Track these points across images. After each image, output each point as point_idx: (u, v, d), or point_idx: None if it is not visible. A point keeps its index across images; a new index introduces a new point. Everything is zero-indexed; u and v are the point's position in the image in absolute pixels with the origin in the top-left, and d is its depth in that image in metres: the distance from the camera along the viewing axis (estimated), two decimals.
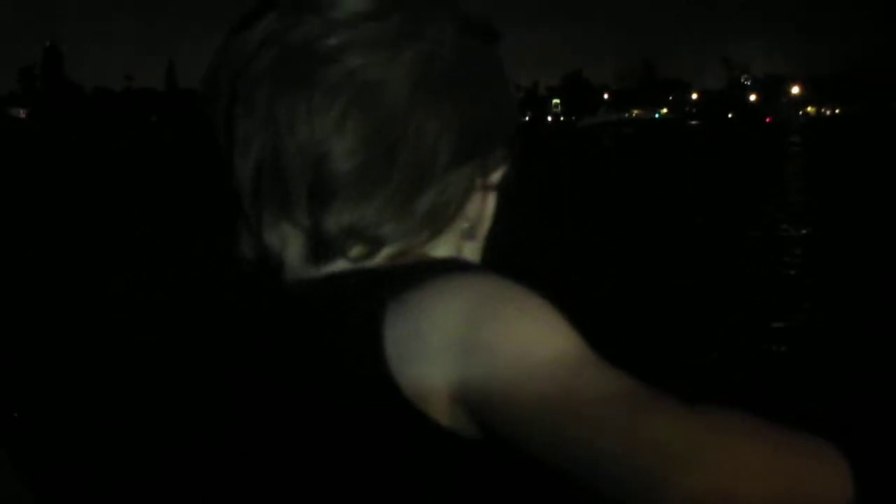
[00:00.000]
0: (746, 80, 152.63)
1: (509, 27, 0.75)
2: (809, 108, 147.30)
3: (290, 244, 0.69)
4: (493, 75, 0.72)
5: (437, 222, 0.69)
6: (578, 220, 14.23)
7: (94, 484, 3.94)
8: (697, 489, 0.49)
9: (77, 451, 4.29)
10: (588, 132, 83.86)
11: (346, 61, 0.65)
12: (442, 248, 0.71)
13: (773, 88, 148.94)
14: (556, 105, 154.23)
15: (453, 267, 0.65)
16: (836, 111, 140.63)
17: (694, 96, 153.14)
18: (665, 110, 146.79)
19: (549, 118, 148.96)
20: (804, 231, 12.86)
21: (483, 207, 0.74)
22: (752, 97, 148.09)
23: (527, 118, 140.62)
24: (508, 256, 0.83)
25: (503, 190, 0.75)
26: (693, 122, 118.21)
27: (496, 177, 0.73)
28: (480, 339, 0.58)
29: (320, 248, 0.67)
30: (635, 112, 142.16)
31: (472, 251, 0.75)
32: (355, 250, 0.67)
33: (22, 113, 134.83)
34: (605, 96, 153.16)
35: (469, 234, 0.73)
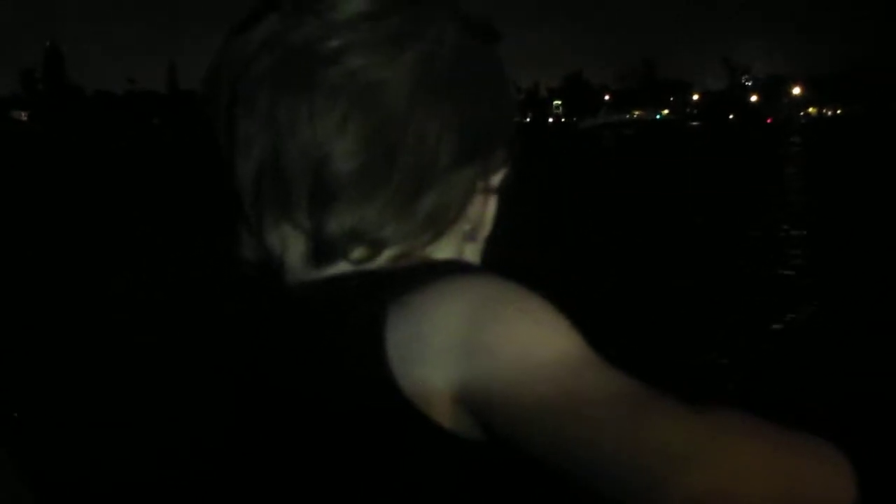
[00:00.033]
0: (747, 80, 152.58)
1: (510, 28, 0.76)
2: (811, 109, 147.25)
3: (291, 246, 0.69)
4: (494, 76, 0.72)
5: (439, 224, 0.68)
6: (578, 220, 14.21)
7: (94, 484, 3.93)
8: (698, 489, 0.49)
9: (77, 451, 4.29)
10: (589, 133, 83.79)
11: (346, 62, 0.65)
12: (443, 250, 0.71)
13: (774, 89, 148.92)
14: (557, 106, 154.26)
15: (455, 269, 0.65)
16: (838, 112, 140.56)
17: (695, 97, 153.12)
18: (666, 111, 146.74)
19: (550, 119, 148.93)
20: (804, 231, 12.84)
21: (484, 209, 0.74)
22: (753, 98, 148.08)
23: (528, 119, 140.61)
24: (508, 257, 0.83)
25: (504, 192, 0.75)
26: (694, 123, 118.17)
27: (497, 179, 0.73)
28: (482, 340, 0.58)
29: (322, 249, 0.67)
30: (636, 113, 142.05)
31: (472, 253, 0.75)
32: (357, 252, 0.67)
33: (23, 115, 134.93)
34: (606, 97, 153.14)
35: (470, 236, 0.73)
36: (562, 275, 8.23)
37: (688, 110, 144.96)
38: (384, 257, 0.68)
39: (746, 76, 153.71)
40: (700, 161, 30.13)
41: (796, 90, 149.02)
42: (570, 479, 0.54)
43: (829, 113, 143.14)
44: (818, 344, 6.31)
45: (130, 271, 9.40)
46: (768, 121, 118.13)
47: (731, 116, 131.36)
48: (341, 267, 0.68)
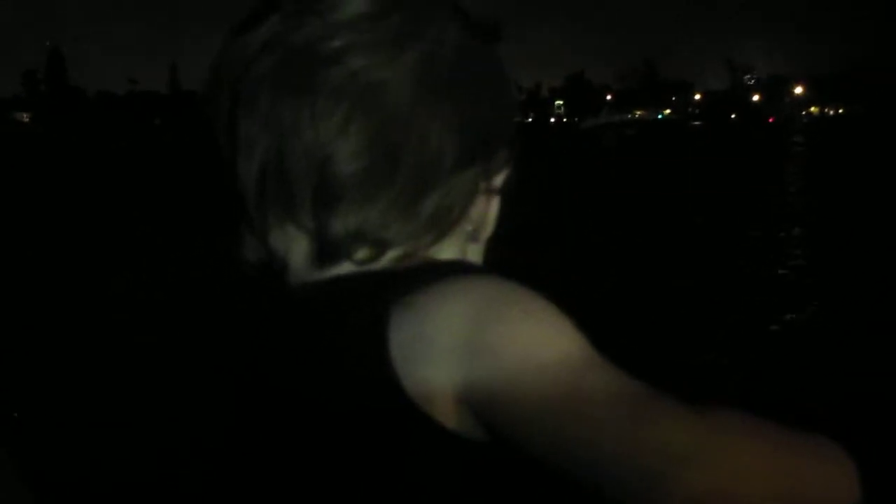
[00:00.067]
0: (749, 80, 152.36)
1: (511, 28, 0.75)
2: (813, 108, 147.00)
3: (294, 246, 0.69)
4: (495, 76, 0.72)
5: (442, 225, 0.68)
6: (579, 220, 14.19)
7: (94, 484, 3.93)
8: (699, 489, 0.49)
9: (77, 451, 4.29)
10: (591, 133, 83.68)
11: (348, 63, 0.65)
12: (447, 251, 0.71)
13: (776, 89, 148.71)
14: (559, 106, 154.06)
15: (458, 269, 0.65)
16: (840, 111, 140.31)
17: (697, 97, 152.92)
18: (668, 111, 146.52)
19: (552, 119, 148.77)
20: (805, 231, 12.82)
21: (486, 210, 0.74)
22: (755, 97, 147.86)
23: (529, 119, 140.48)
24: (509, 257, 0.83)
25: (506, 192, 0.75)
26: (696, 123, 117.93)
27: (499, 180, 0.73)
28: (485, 341, 0.58)
29: (325, 250, 0.67)
30: (638, 113, 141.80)
31: (474, 253, 0.75)
32: (361, 253, 0.67)
33: (25, 117, 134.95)
34: (608, 97, 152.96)
35: (472, 237, 0.73)
36: (562, 275, 8.22)
37: (690, 110, 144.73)
38: (388, 258, 0.67)
39: (748, 76, 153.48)
40: (701, 161, 30.07)
41: (798, 90, 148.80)
42: (571, 480, 0.54)
43: (831, 112, 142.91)
44: (818, 344, 6.30)
45: (130, 271, 9.39)
46: (770, 120, 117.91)
47: (732, 116, 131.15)
48: (345, 267, 0.68)
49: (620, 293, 8.03)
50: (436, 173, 0.67)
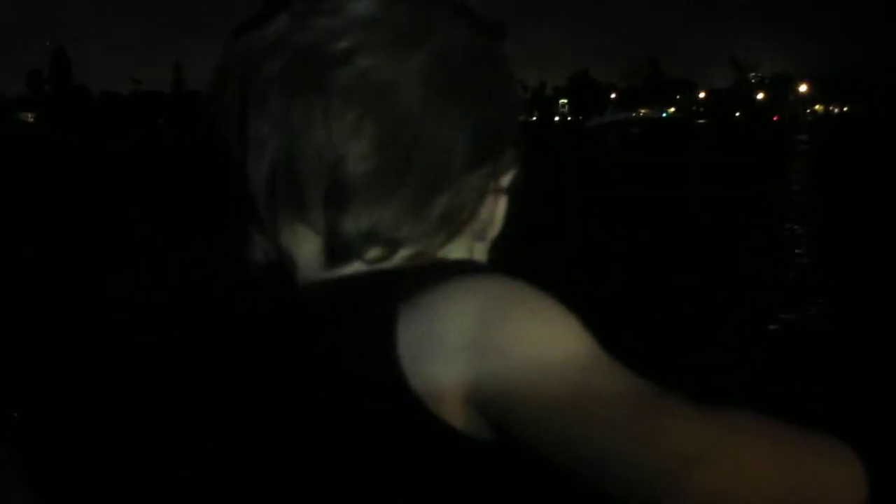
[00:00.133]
0: (754, 78, 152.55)
1: (515, 27, 0.75)
2: (817, 107, 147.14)
3: (303, 246, 0.69)
4: (501, 75, 0.72)
5: (453, 224, 0.69)
6: (583, 218, 14.22)
7: (94, 484, 3.93)
8: (709, 489, 0.48)
9: (77, 451, 4.29)
10: (595, 132, 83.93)
11: (357, 63, 0.65)
12: (455, 250, 0.71)
13: (780, 87, 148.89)
14: (564, 105, 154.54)
15: (467, 268, 0.65)
16: (844, 109, 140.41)
17: (701, 95, 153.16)
18: (672, 109, 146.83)
19: (557, 118, 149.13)
20: (809, 230, 12.82)
21: (494, 210, 0.74)
22: (760, 96, 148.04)
23: (534, 118, 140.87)
24: (513, 255, 0.81)
25: (512, 192, 0.75)
26: (700, 121, 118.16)
27: (507, 179, 0.73)
28: (493, 340, 0.58)
29: (337, 250, 0.67)
30: (643, 111, 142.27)
31: (479, 252, 0.75)
32: (372, 252, 0.67)
33: (30, 117, 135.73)
34: (613, 96, 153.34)
35: (479, 236, 0.73)
36: (566, 273, 8.22)
37: (694, 108, 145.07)
38: (399, 257, 0.68)
39: (753, 74, 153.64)
40: (706, 159, 30.14)
41: (803, 88, 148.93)
42: (579, 480, 0.54)
43: (836, 111, 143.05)
44: (822, 343, 6.30)
45: (130, 271, 9.42)
46: (775, 119, 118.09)
47: (737, 114, 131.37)
48: (354, 267, 0.68)
49: (624, 292, 8.05)
50: (447, 173, 0.67)
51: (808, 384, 5.25)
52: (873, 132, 52.47)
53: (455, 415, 0.59)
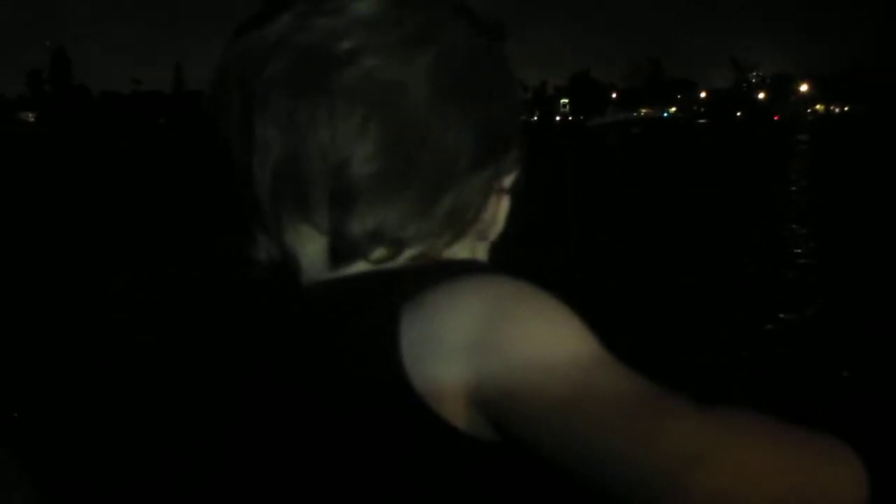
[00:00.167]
0: (754, 78, 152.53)
1: (515, 27, 0.75)
2: (818, 107, 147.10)
3: (308, 246, 0.69)
4: (503, 75, 0.72)
5: (458, 225, 0.69)
6: (583, 218, 14.21)
7: (94, 484, 3.93)
8: (709, 489, 0.48)
9: (77, 451, 4.29)
10: (597, 131, 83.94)
11: (362, 64, 0.65)
12: (458, 250, 0.71)
13: (781, 87, 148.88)
14: (565, 105, 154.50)
15: (470, 268, 0.65)
16: (845, 109, 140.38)
17: (702, 95, 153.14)
18: (673, 109, 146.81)
19: (558, 118, 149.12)
20: (809, 230, 12.83)
21: (497, 210, 0.74)
22: (761, 95, 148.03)
23: (535, 118, 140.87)
24: (513, 255, 0.81)
25: (514, 192, 0.75)
26: (701, 121, 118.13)
27: (510, 180, 0.73)
28: (495, 339, 0.57)
29: (342, 250, 0.67)
30: (644, 111, 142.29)
31: (481, 251, 0.75)
32: (378, 253, 0.67)
33: (31, 116, 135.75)
34: (613, 96, 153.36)
35: (482, 236, 0.73)
36: (566, 273, 8.21)
37: (695, 108, 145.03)
38: (403, 257, 0.67)
39: (753, 74, 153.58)
40: (706, 159, 30.13)
41: (803, 88, 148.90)
42: (580, 480, 0.54)
43: (837, 111, 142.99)
44: (822, 343, 6.30)
45: (130, 271, 9.42)
46: (775, 118, 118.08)
47: (738, 114, 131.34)
48: (359, 267, 0.68)
49: (624, 291, 8.05)
50: (452, 174, 0.67)
51: (808, 384, 5.25)
52: (874, 132, 52.45)
53: (457, 415, 0.59)
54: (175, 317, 7.01)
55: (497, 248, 0.76)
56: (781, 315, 7.12)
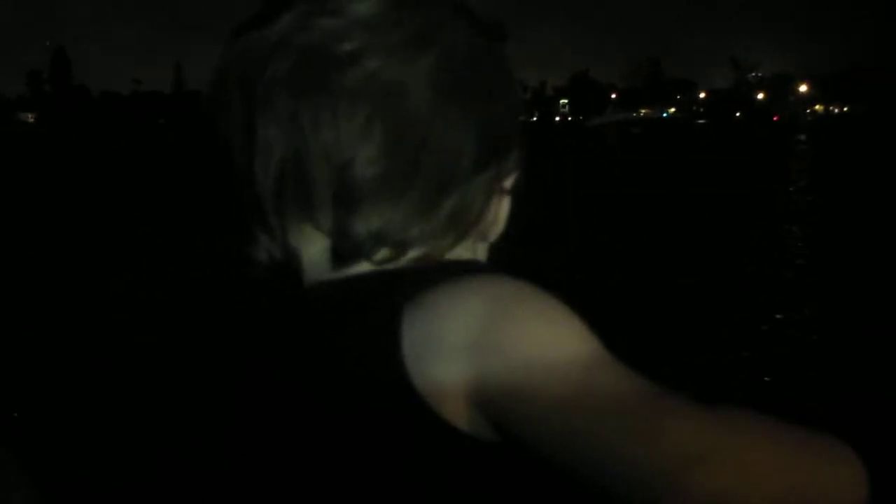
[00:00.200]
0: (754, 78, 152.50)
1: (514, 27, 0.75)
2: (817, 107, 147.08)
3: (310, 247, 0.68)
4: (504, 75, 0.72)
5: (461, 226, 0.69)
6: (583, 218, 14.21)
7: (94, 484, 3.93)
8: (709, 489, 0.48)
9: (77, 451, 4.29)
10: (596, 131, 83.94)
11: (364, 65, 0.64)
12: (460, 251, 0.71)
13: (780, 87, 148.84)
14: (564, 105, 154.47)
15: (470, 268, 0.65)
16: (845, 109, 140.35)
17: (701, 95, 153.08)
18: (672, 109, 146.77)
19: (557, 118, 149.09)
20: (809, 230, 12.83)
21: (498, 211, 0.74)
22: (760, 96, 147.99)
23: (534, 118, 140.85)
24: (513, 255, 0.82)
25: (515, 192, 0.75)
26: (701, 121, 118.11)
27: (510, 181, 0.73)
28: (495, 339, 0.57)
29: (346, 251, 0.67)
30: (643, 111, 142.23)
31: (481, 252, 0.75)
32: (381, 253, 0.66)
33: (30, 117, 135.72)
34: (613, 96, 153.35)
35: (482, 237, 0.74)
36: (566, 273, 8.21)
37: (694, 108, 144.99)
38: (406, 258, 0.67)
39: (753, 74, 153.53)
40: (706, 159, 30.12)
41: (803, 88, 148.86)
42: (580, 480, 0.53)
43: (836, 111, 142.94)
44: (822, 343, 6.30)
45: (130, 271, 9.42)
46: (775, 119, 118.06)
47: (737, 114, 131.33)
48: (361, 267, 0.67)
49: (624, 292, 8.05)
50: (454, 175, 0.67)
51: (808, 384, 5.25)
52: (873, 132, 52.45)
53: (458, 415, 0.59)
54: (175, 317, 7.02)
55: (497, 248, 0.76)
56: (781, 315, 7.12)
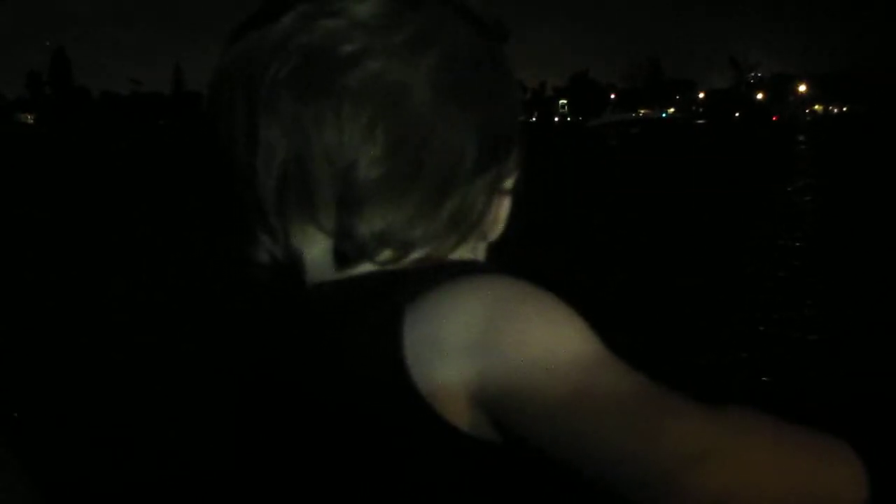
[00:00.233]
0: (753, 78, 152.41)
1: (513, 27, 0.75)
2: (817, 107, 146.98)
3: (313, 248, 0.68)
4: (505, 76, 0.72)
5: (463, 226, 0.69)
6: (583, 219, 14.21)
7: (95, 484, 3.93)
8: (711, 488, 0.48)
9: (77, 451, 4.29)
10: (596, 132, 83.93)
11: (367, 66, 0.64)
12: (461, 251, 0.71)
13: (779, 87, 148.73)
14: (563, 106, 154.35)
15: (472, 269, 0.65)
16: (844, 109, 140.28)
17: (701, 95, 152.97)
18: (672, 110, 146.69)
19: (556, 119, 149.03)
20: (809, 230, 12.83)
21: (498, 211, 0.74)
22: (759, 96, 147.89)
23: (533, 119, 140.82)
24: (513, 255, 0.82)
25: (515, 193, 0.75)
26: (700, 122, 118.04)
27: (511, 181, 0.74)
28: (497, 339, 0.58)
29: (349, 252, 0.66)
30: (642, 112, 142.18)
31: (481, 252, 0.75)
32: (384, 255, 0.66)
33: (30, 118, 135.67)
34: (612, 96, 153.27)
35: (483, 237, 0.74)
36: (566, 273, 8.20)
37: (693, 109, 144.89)
38: (409, 259, 0.67)
39: (752, 74, 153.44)
40: (706, 160, 30.10)
41: (802, 88, 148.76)
42: (583, 479, 0.54)
43: (835, 111, 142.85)
44: (822, 343, 6.29)
45: (130, 272, 9.42)
46: (774, 119, 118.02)
47: (736, 114, 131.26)
48: (363, 268, 0.67)
49: (625, 292, 8.04)
50: (457, 176, 0.67)
51: (808, 384, 5.25)
52: (873, 132, 52.41)
53: (460, 415, 0.59)
54: (175, 318, 7.02)
55: (497, 248, 0.76)
56: (781, 315, 7.11)
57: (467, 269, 0.64)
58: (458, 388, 0.58)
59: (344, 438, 0.63)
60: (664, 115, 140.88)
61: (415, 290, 0.62)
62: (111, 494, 3.85)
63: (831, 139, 49.33)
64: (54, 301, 8.00)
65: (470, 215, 0.69)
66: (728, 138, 54.70)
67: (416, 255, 0.67)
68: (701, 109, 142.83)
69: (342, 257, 0.67)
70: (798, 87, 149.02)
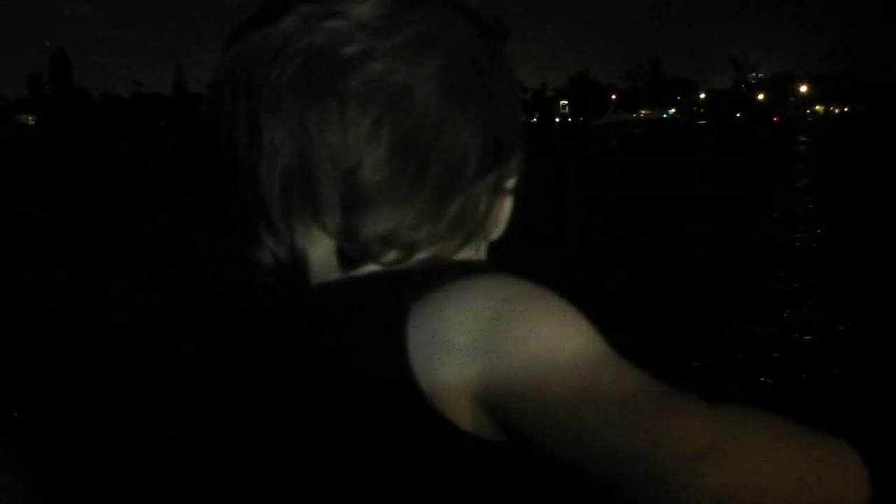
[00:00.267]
0: (753, 79, 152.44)
1: (515, 28, 0.75)
2: (818, 107, 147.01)
3: (318, 248, 0.68)
4: (505, 76, 0.72)
5: (468, 227, 0.69)
6: (584, 219, 14.21)
7: (95, 484, 3.94)
8: (715, 487, 0.48)
9: (77, 451, 4.29)
10: (597, 132, 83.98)
11: (372, 67, 0.64)
12: (464, 251, 0.71)
13: (780, 87, 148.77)
14: (564, 106, 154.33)
15: (475, 269, 0.65)
16: (845, 109, 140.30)
17: (702, 96, 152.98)
18: (673, 110, 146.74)
19: (557, 119, 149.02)
20: (809, 230, 12.82)
21: (500, 211, 0.74)
22: (760, 96, 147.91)
23: (534, 119, 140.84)
24: (514, 255, 0.82)
25: (517, 193, 0.75)
26: (701, 122, 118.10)
27: (513, 182, 0.73)
28: (501, 339, 0.57)
29: (354, 253, 0.66)
30: (643, 112, 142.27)
31: (482, 252, 0.75)
32: (389, 256, 0.66)
33: (31, 119, 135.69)
34: (613, 97, 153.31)
35: (485, 237, 0.74)
36: (567, 273, 8.21)
37: (694, 109, 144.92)
38: (415, 260, 0.67)
39: (753, 74, 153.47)
40: (706, 160, 30.13)
41: (803, 88, 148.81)
42: (587, 479, 0.54)
43: (836, 111, 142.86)
44: (823, 344, 6.29)
45: (130, 272, 9.43)
46: (775, 119, 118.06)
47: (737, 115, 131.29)
48: (368, 268, 0.67)
49: (625, 292, 8.04)
50: (461, 177, 0.67)
51: (809, 385, 5.25)
52: (874, 132, 52.44)
53: (464, 415, 0.59)
54: (175, 317, 7.02)
55: (497, 248, 0.76)
56: (782, 316, 7.12)
57: (471, 270, 0.64)
58: (462, 387, 0.58)
59: (347, 438, 0.63)
60: (665, 115, 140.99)
61: (419, 290, 0.62)
62: (111, 494, 3.85)
63: (832, 139, 49.35)
64: (54, 301, 8.01)
65: (474, 216, 0.69)
66: (729, 139, 54.73)
67: (420, 255, 0.67)
68: (702, 110, 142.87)
69: (346, 258, 0.67)
70: (799, 87, 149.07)
